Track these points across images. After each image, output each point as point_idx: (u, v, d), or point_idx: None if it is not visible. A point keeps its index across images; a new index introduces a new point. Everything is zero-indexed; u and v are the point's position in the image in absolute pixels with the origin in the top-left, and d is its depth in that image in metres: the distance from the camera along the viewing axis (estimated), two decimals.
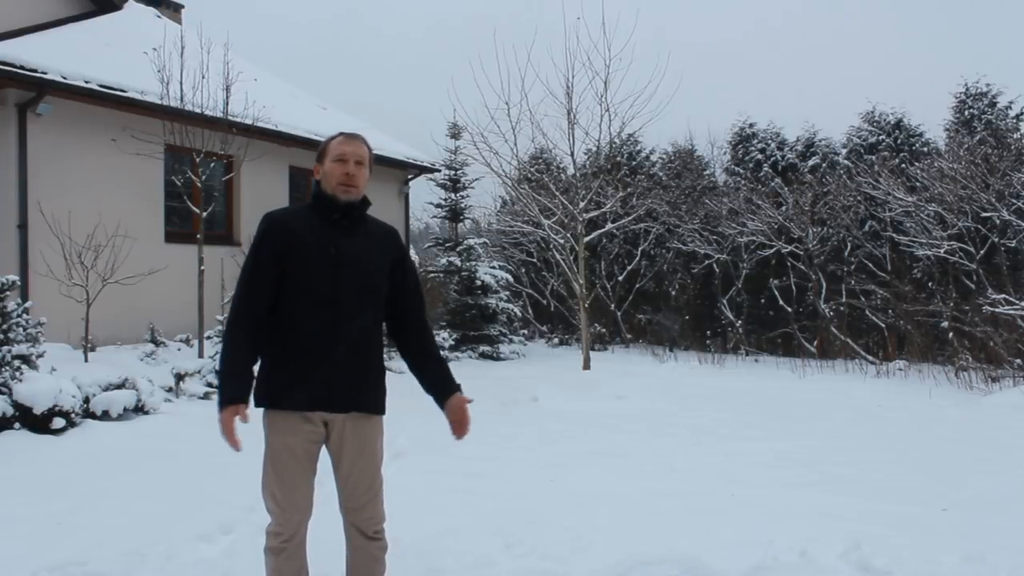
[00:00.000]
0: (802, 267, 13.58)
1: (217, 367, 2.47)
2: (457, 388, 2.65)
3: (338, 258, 2.47)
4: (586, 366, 11.44)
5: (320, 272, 2.46)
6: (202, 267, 9.13)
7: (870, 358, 12.36)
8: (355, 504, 2.55)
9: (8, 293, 6.29)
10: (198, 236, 9.29)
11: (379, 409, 2.59)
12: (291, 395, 2.44)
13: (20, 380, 5.92)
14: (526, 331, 16.18)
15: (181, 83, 9.14)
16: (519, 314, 14.95)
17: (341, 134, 2.61)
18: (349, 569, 2.63)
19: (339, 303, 2.46)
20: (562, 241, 12.23)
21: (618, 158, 15.99)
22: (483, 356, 13.03)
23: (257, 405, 2.48)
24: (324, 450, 2.55)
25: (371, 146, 2.64)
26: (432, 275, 14.48)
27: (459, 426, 2.64)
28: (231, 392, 2.40)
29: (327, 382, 2.44)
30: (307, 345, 2.44)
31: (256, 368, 2.50)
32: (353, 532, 2.58)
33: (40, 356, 6.44)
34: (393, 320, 2.67)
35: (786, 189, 14.16)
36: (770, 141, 16.71)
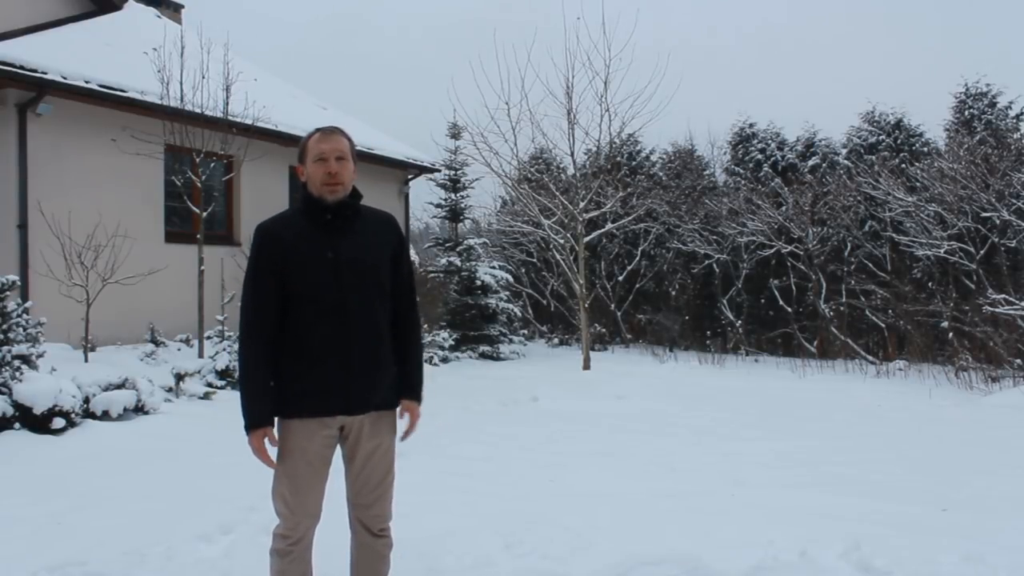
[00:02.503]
0: (802, 267, 13.58)
1: (238, 387, 2.48)
2: (416, 396, 2.62)
3: (337, 262, 2.43)
4: (586, 366, 11.44)
5: (322, 280, 2.43)
6: (202, 267, 9.13)
7: (870, 358, 12.37)
8: (364, 500, 2.55)
9: (8, 293, 6.28)
10: (198, 236, 9.29)
11: (394, 403, 2.58)
12: (308, 403, 2.43)
13: (20, 380, 5.91)
14: (526, 331, 16.18)
15: (181, 83, 9.14)
16: (519, 314, 14.95)
17: (318, 131, 2.54)
18: (354, 565, 2.63)
19: (346, 307, 2.43)
20: (562, 241, 12.23)
21: (618, 158, 15.98)
22: (483, 356, 13.03)
23: (276, 415, 2.47)
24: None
25: (350, 136, 2.56)
26: (432, 275, 14.48)
27: (406, 433, 2.63)
28: (256, 416, 2.41)
29: (344, 387, 2.43)
30: (320, 352, 2.42)
31: (269, 378, 2.47)
32: (359, 528, 2.58)
33: (40, 356, 6.44)
34: None
35: (786, 189, 14.17)
36: (770, 141, 16.72)
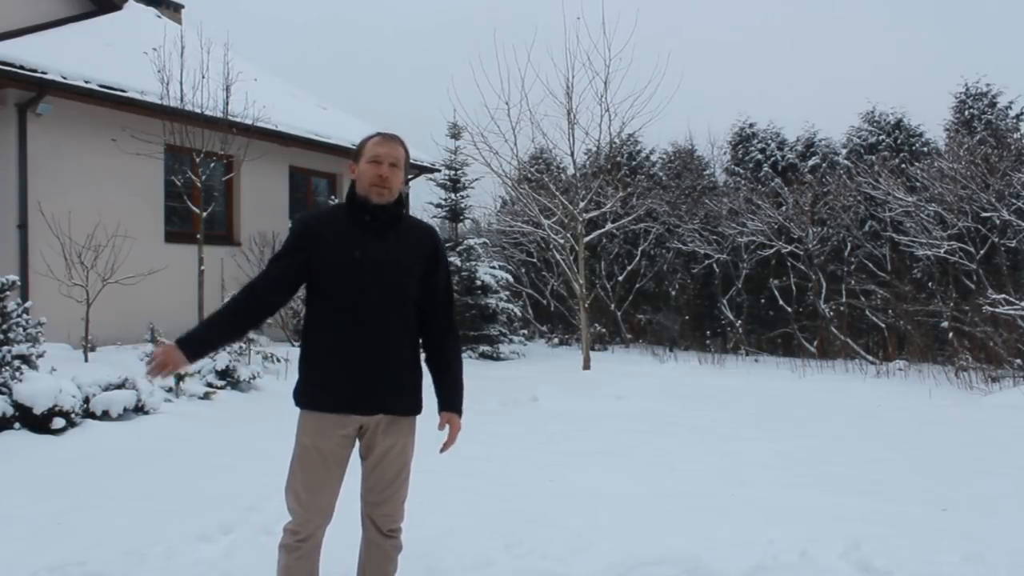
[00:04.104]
0: (802, 267, 13.58)
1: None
2: (457, 409, 2.65)
3: (363, 262, 2.46)
4: (586, 366, 11.43)
5: (344, 277, 2.46)
6: (202, 267, 9.13)
7: (870, 358, 12.37)
8: (375, 498, 2.56)
9: (8, 293, 6.28)
10: (198, 236, 9.29)
11: (410, 410, 2.58)
12: (321, 397, 2.48)
13: (20, 380, 5.91)
14: (526, 331, 16.17)
15: (181, 83, 9.14)
16: (519, 314, 14.94)
17: (378, 134, 2.62)
18: (361, 562, 2.65)
19: (363, 308, 2.46)
20: (562, 241, 12.23)
21: (618, 158, 15.98)
22: (483, 356, 13.02)
23: (296, 405, 2.55)
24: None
25: (408, 148, 2.64)
26: None
27: (446, 444, 2.66)
28: (188, 340, 2.47)
29: (353, 385, 2.46)
30: (333, 349, 2.47)
31: (227, 335, 2.65)
32: (369, 525, 2.60)
33: (40, 356, 6.43)
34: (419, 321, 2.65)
35: (786, 189, 14.17)
36: (770, 141, 16.72)
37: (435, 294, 2.61)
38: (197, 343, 2.48)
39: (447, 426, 2.64)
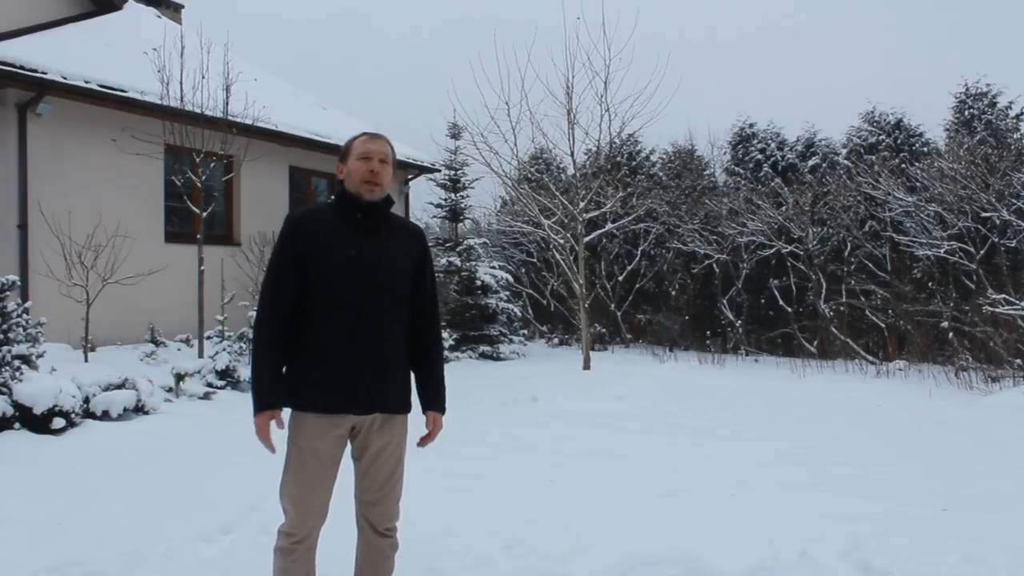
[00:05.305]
0: (802, 267, 13.58)
1: (249, 371, 2.53)
2: (441, 408, 2.69)
3: (358, 260, 2.47)
4: (586, 366, 11.44)
5: (340, 275, 2.46)
6: (202, 267, 9.12)
7: (870, 358, 12.37)
8: (370, 498, 2.56)
9: (8, 293, 6.28)
10: (198, 236, 9.28)
11: (403, 408, 2.59)
12: (315, 398, 2.46)
13: (20, 380, 5.91)
14: (526, 331, 16.18)
15: (181, 83, 9.14)
16: (519, 314, 14.95)
17: (364, 133, 2.63)
18: (358, 564, 2.64)
19: (359, 306, 2.46)
20: (562, 241, 12.23)
21: (618, 158, 15.99)
22: (483, 356, 13.03)
23: (284, 405, 2.52)
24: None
25: (394, 147, 2.65)
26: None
27: (425, 439, 2.68)
28: (265, 398, 2.46)
29: (348, 385, 2.45)
30: (328, 348, 2.45)
31: (280, 366, 2.52)
32: (365, 526, 2.59)
33: (40, 356, 6.44)
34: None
35: (786, 189, 14.17)
36: (770, 141, 16.72)
37: (422, 293, 2.64)
38: (267, 394, 2.46)
39: (432, 425, 2.67)
